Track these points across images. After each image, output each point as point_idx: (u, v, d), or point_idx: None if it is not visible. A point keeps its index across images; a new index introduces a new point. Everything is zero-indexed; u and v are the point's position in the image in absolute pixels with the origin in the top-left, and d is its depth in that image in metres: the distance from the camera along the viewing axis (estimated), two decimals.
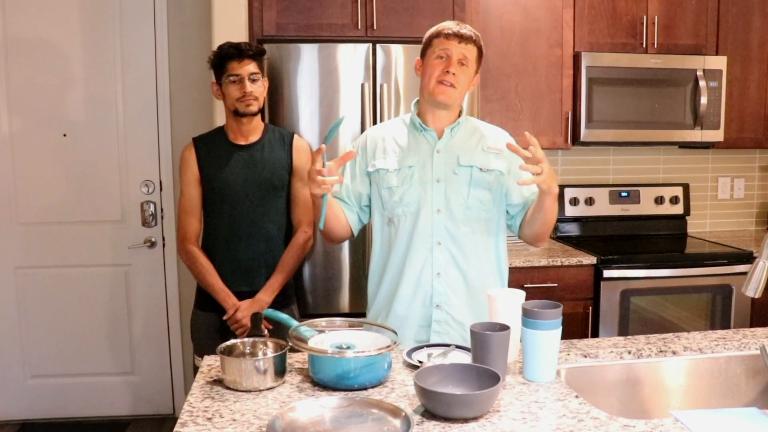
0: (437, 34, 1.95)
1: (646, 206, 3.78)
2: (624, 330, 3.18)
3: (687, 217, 3.86)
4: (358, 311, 2.95)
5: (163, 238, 3.54)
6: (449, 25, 1.94)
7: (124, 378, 3.61)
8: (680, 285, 3.23)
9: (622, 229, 3.76)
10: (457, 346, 1.74)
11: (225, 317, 2.43)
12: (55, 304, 3.51)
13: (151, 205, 3.50)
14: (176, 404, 3.67)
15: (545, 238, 2.05)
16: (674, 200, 3.80)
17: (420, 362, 1.62)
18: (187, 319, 3.48)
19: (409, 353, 1.70)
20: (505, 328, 1.54)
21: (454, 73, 1.91)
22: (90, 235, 3.49)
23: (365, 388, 1.48)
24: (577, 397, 1.46)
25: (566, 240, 3.62)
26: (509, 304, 1.64)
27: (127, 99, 3.46)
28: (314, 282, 2.94)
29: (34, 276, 3.49)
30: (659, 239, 3.74)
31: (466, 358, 1.68)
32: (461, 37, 1.91)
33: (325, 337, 1.60)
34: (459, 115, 2.03)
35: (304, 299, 2.93)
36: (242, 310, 2.41)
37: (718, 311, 3.28)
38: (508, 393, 1.48)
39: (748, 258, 3.28)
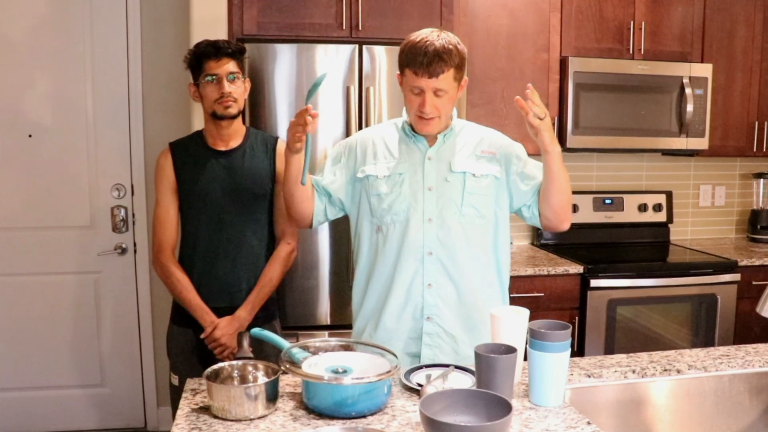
0: (407, 63, 1.80)
1: (629, 214, 3.74)
2: (610, 340, 3.13)
3: (669, 225, 3.84)
4: (340, 323, 2.86)
5: (135, 245, 3.39)
6: (420, 50, 1.76)
7: (93, 390, 3.45)
8: (667, 294, 3.19)
9: (605, 236, 3.72)
10: (456, 366, 1.65)
11: (203, 336, 2.29)
12: (19, 313, 3.34)
13: (122, 210, 3.35)
14: (148, 416, 3.53)
15: (567, 214, 1.90)
16: (657, 208, 3.77)
17: (420, 385, 1.53)
18: (160, 328, 3.36)
19: (407, 375, 1.60)
20: (511, 350, 1.46)
21: (431, 109, 1.81)
22: (57, 242, 3.33)
23: (364, 416, 1.39)
24: (589, 423, 1.39)
25: (549, 248, 3.56)
26: (513, 324, 1.56)
27: (97, 98, 3.30)
28: (293, 293, 2.82)
29: None
30: (643, 247, 3.71)
31: (465, 380, 1.60)
32: (430, 73, 1.76)
33: (319, 359, 1.50)
34: (451, 119, 1.95)
35: (283, 311, 2.81)
36: (221, 328, 2.27)
37: (703, 321, 3.25)
38: (516, 419, 1.40)
39: (733, 267, 3.26)
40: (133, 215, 3.37)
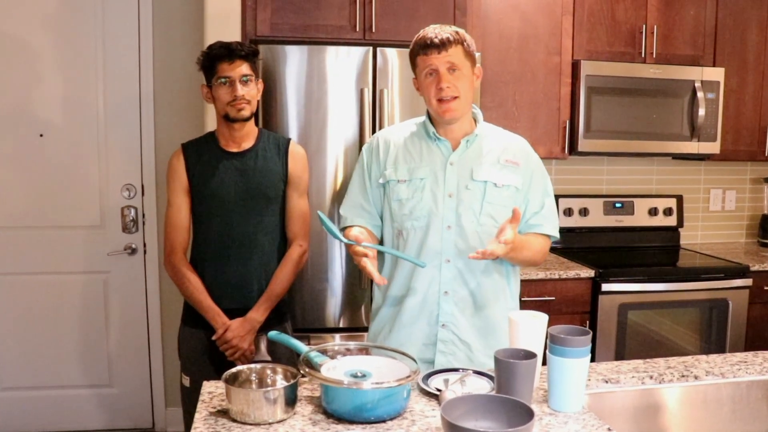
0: (416, 51, 1.86)
1: (640, 218, 3.73)
2: (621, 345, 3.12)
3: (679, 229, 3.82)
4: (351, 326, 2.85)
5: (145, 245, 3.39)
6: (424, 36, 1.84)
7: (101, 390, 3.45)
8: (678, 299, 3.18)
9: (615, 240, 3.71)
10: (474, 371, 1.64)
11: (214, 337, 2.28)
12: (27, 312, 3.34)
13: (132, 210, 3.35)
14: (156, 417, 3.52)
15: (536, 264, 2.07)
16: (668, 212, 3.76)
17: (438, 390, 1.52)
18: (169, 328, 3.36)
19: (425, 379, 1.60)
20: (530, 355, 1.45)
21: (448, 86, 1.82)
22: (66, 241, 3.32)
23: (383, 421, 1.38)
24: (609, 429, 1.38)
25: (559, 251, 3.54)
26: (531, 329, 1.55)
27: (108, 98, 3.30)
28: (303, 295, 2.81)
29: (6, 283, 3.31)
30: (654, 252, 3.70)
31: (483, 384, 1.59)
32: (439, 47, 1.80)
33: (337, 363, 1.49)
34: (474, 123, 1.94)
35: (293, 313, 2.80)
36: (233, 329, 2.27)
37: (714, 325, 3.24)
38: (536, 425, 1.39)
39: (744, 272, 3.25)
40: (143, 215, 3.37)
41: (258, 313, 2.32)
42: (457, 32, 1.84)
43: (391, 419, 1.39)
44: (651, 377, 1.72)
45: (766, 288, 3.29)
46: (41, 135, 3.26)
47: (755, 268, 3.28)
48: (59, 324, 3.37)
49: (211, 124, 2.66)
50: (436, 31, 1.82)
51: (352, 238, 1.75)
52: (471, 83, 1.87)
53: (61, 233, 3.32)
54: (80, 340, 3.40)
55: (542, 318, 1.57)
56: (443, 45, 1.80)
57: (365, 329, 2.83)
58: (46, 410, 3.41)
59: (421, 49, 1.83)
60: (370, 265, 1.72)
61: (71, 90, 3.27)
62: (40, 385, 3.40)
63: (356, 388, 1.35)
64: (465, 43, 1.84)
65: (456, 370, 1.68)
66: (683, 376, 1.74)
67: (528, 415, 1.27)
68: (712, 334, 3.25)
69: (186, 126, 3.16)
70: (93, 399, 3.46)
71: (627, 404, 1.70)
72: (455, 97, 1.82)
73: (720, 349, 3.21)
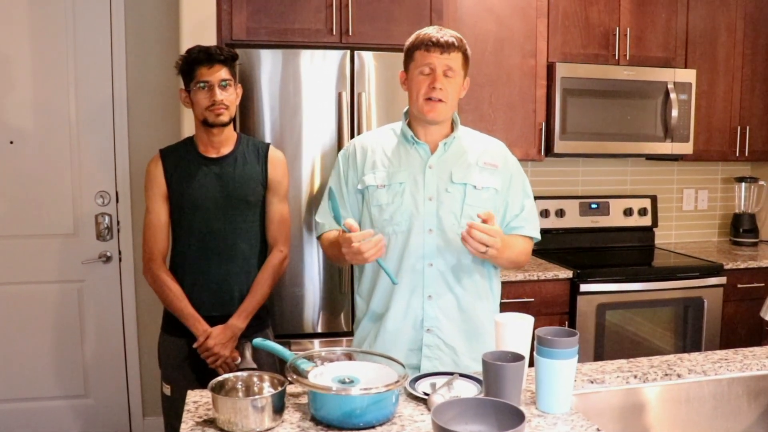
0: (417, 46, 1.84)
1: (615, 218, 3.77)
2: (600, 345, 3.14)
3: (654, 229, 3.87)
4: (332, 331, 2.83)
5: (120, 253, 3.33)
6: (429, 34, 1.83)
7: (76, 401, 3.38)
8: (655, 298, 3.21)
9: (592, 241, 3.74)
10: (460, 375, 1.64)
11: (195, 345, 2.25)
12: (0, 323, 3.26)
13: (107, 218, 3.29)
14: (133, 426, 3.47)
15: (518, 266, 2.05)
16: (642, 212, 3.80)
17: (426, 394, 1.52)
18: (146, 336, 3.31)
19: (412, 384, 1.59)
20: (518, 357, 1.45)
21: (440, 88, 1.81)
22: (40, 250, 3.26)
23: (372, 427, 1.37)
24: (599, 430, 1.38)
25: (537, 253, 3.56)
26: (518, 331, 1.55)
27: (80, 104, 3.24)
28: (283, 300, 2.78)
29: None
30: (630, 251, 3.74)
31: (470, 387, 1.59)
32: (443, 47, 1.81)
33: (325, 369, 1.48)
34: (452, 127, 1.94)
35: (273, 318, 2.77)
36: (214, 337, 2.24)
37: (690, 324, 3.28)
38: (525, 427, 1.39)
39: (718, 270, 3.30)
40: (118, 223, 3.32)
41: (239, 320, 2.29)
42: (461, 39, 1.85)
43: (381, 425, 1.38)
44: (635, 377, 1.73)
45: (739, 286, 3.35)
46: (11, 142, 3.19)
47: (729, 266, 3.33)
48: (33, 334, 3.30)
49: (187, 129, 2.63)
50: (441, 33, 1.83)
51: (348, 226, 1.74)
52: (459, 92, 1.88)
53: (34, 242, 3.25)
54: (55, 350, 3.33)
55: (528, 320, 1.58)
56: (447, 47, 1.81)
57: (345, 334, 2.82)
58: (20, 423, 3.33)
59: (423, 45, 1.82)
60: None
61: (42, 96, 3.21)
62: (13, 398, 3.32)
63: (345, 395, 1.34)
64: (465, 52, 1.86)
65: (442, 373, 1.67)
66: (666, 374, 1.76)
67: (518, 417, 1.26)
68: (689, 333, 3.29)
69: (161, 131, 3.12)
70: (69, 410, 3.39)
71: (613, 404, 1.71)
72: (442, 101, 1.83)
73: (696, 347, 3.26)
